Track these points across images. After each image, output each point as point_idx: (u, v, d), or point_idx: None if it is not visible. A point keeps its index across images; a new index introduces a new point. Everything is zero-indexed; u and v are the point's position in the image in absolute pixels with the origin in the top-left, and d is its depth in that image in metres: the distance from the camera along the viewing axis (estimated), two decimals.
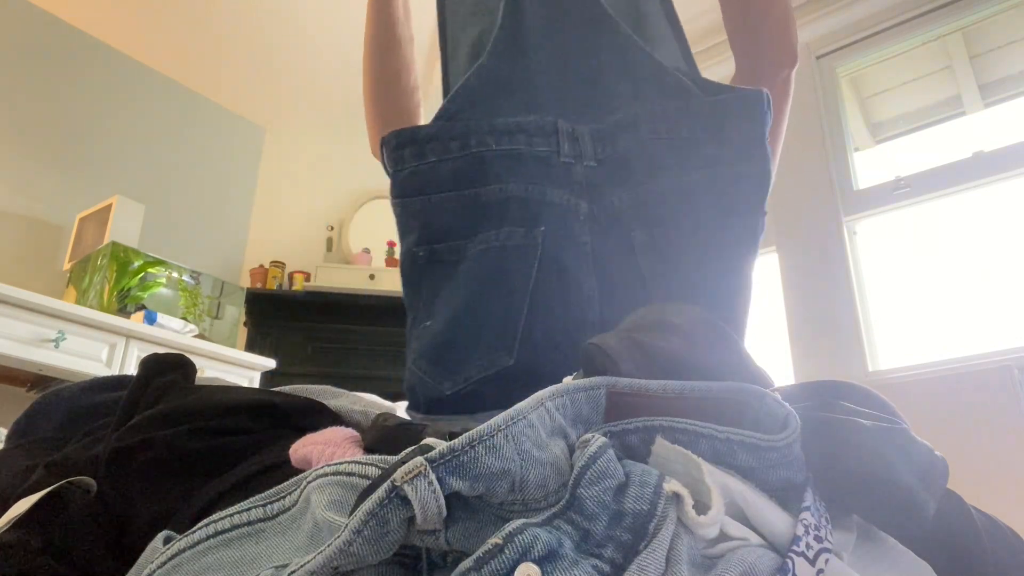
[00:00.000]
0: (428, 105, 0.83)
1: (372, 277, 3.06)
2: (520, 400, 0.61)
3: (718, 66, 2.64)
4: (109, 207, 2.57)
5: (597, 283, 0.62)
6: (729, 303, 0.61)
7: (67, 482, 0.38)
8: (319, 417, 0.46)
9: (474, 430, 0.28)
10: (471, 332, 0.60)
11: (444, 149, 0.65)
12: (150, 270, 2.54)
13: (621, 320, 0.60)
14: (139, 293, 2.48)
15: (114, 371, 2.17)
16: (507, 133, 0.65)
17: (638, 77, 0.68)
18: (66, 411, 0.50)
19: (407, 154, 0.67)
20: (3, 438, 0.59)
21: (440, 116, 0.68)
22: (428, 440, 0.29)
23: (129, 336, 2.22)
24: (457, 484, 0.27)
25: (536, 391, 0.60)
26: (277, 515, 0.32)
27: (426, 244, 0.65)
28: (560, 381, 0.60)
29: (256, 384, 2.51)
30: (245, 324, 3.07)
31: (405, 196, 0.67)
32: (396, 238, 0.74)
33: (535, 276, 0.61)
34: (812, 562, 0.28)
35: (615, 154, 0.65)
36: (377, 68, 0.89)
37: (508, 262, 0.61)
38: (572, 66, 0.71)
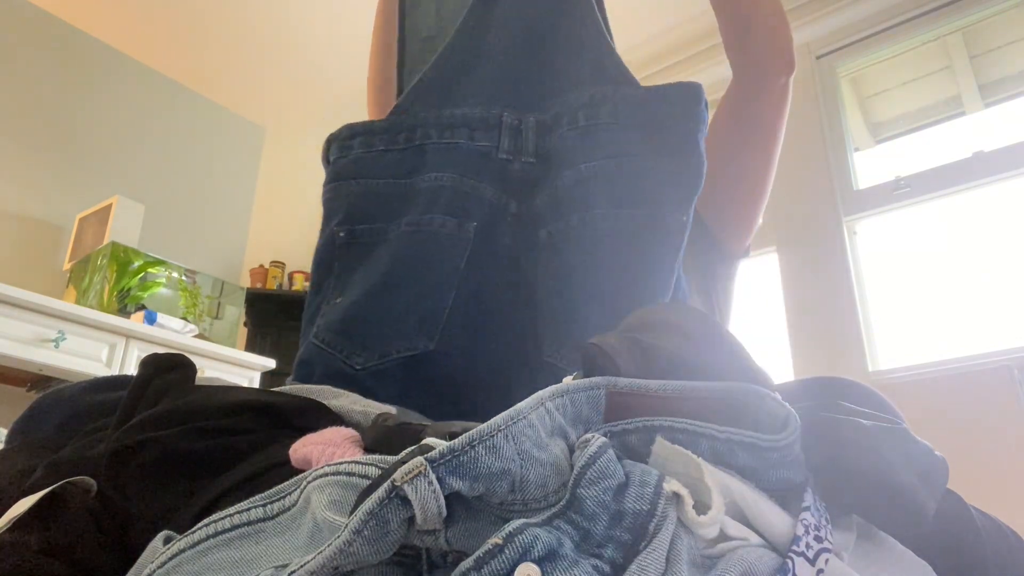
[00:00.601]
0: None
1: None
2: (429, 386, 0.59)
3: (717, 67, 2.64)
4: (109, 207, 2.57)
5: (509, 284, 0.61)
6: (624, 300, 0.56)
7: (67, 482, 0.38)
8: (319, 417, 0.46)
9: (474, 430, 0.28)
10: (393, 309, 0.59)
11: (392, 140, 0.66)
12: (150, 270, 2.54)
13: (529, 321, 0.60)
14: (139, 293, 2.49)
15: (114, 371, 2.17)
16: (450, 127, 0.65)
17: (583, 60, 0.67)
18: (66, 411, 0.50)
19: (356, 143, 0.68)
20: (3, 438, 0.59)
21: (394, 111, 0.68)
22: (428, 440, 0.29)
23: (129, 336, 2.23)
24: (457, 484, 0.27)
25: (448, 379, 0.60)
26: (277, 515, 0.32)
27: (348, 225, 0.65)
28: (471, 373, 0.60)
29: (256, 384, 2.51)
30: (245, 324, 3.07)
31: (340, 180, 0.67)
32: None
33: (462, 268, 0.60)
34: (812, 562, 0.28)
35: (548, 149, 0.64)
36: (381, 74, 0.90)
37: (440, 248, 0.61)
38: (530, 45, 0.70)
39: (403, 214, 0.63)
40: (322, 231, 0.67)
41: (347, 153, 0.68)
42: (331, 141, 0.70)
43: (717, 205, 1.00)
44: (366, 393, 0.56)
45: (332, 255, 0.65)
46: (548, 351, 0.58)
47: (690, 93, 0.61)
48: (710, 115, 0.65)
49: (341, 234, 0.65)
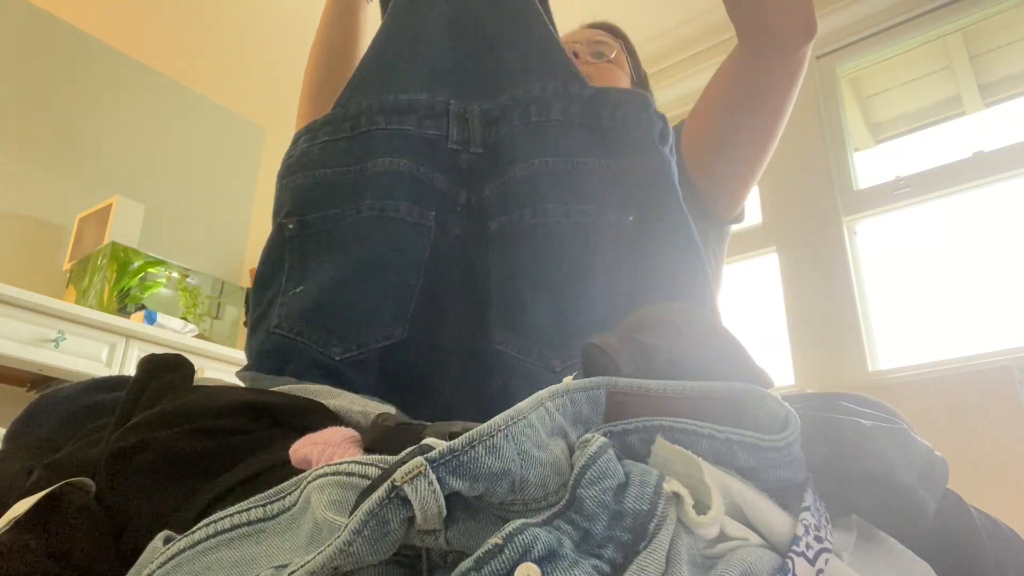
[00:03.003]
0: None
1: None
2: (396, 376, 0.59)
3: (709, 70, 2.63)
4: (109, 207, 2.57)
5: (460, 276, 0.61)
6: (570, 293, 0.57)
7: (65, 483, 0.37)
8: (318, 417, 0.46)
9: (474, 430, 0.28)
10: (367, 297, 0.58)
11: (336, 131, 0.64)
12: (150, 270, 2.54)
13: (477, 312, 0.60)
14: (139, 293, 2.48)
15: (114, 371, 2.17)
16: (397, 113, 0.63)
17: (529, 50, 0.66)
18: (64, 412, 0.50)
19: (301, 140, 0.66)
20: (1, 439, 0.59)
21: (337, 104, 0.67)
22: (428, 440, 0.29)
23: (129, 336, 2.22)
24: (457, 484, 0.27)
25: (412, 368, 0.58)
26: (277, 515, 0.32)
27: (297, 215, 0.62)
28: (430, 362, 0.59)
29: None
30: (245, 324, 3.07)
31: (289, 175, 0.65)
32: None
33: (426, 257, 0.60)
34: (812, 562, 0.28)
35: (497, 141, 0.63)
36: (330, 73, 0.87)
37: (407, 235, 0.60)
38: (469, 32, 0.68)
39: (359, 198, 0.61)
40: (272, 227, 0.66)
41: (293, 151, 0.66)
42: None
43: (711, 172, 0.92)
44: (345, 384, 0.55)
45: (282, 247, 0.63)
46: (499, 339, 0.57)
47: (636, 99, 0.62)
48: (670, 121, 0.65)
49: (291, 225, 0.62)
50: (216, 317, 2.74)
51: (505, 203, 0.61)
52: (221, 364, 2.42)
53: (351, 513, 0.26)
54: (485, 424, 0.28)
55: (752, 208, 2.41)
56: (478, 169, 0.63)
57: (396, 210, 0.60)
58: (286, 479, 0.33)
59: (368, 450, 0.37)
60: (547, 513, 0.28)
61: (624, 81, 1.07)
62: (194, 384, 0.50)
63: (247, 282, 3.19)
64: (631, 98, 0.62)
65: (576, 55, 1.03)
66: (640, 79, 1.12)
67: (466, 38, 0.68)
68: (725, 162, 0.91)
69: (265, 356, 0.58)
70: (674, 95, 2.69)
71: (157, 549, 0.32)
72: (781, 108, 0.85)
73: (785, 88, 0.83)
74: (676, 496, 0.28)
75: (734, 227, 1.00)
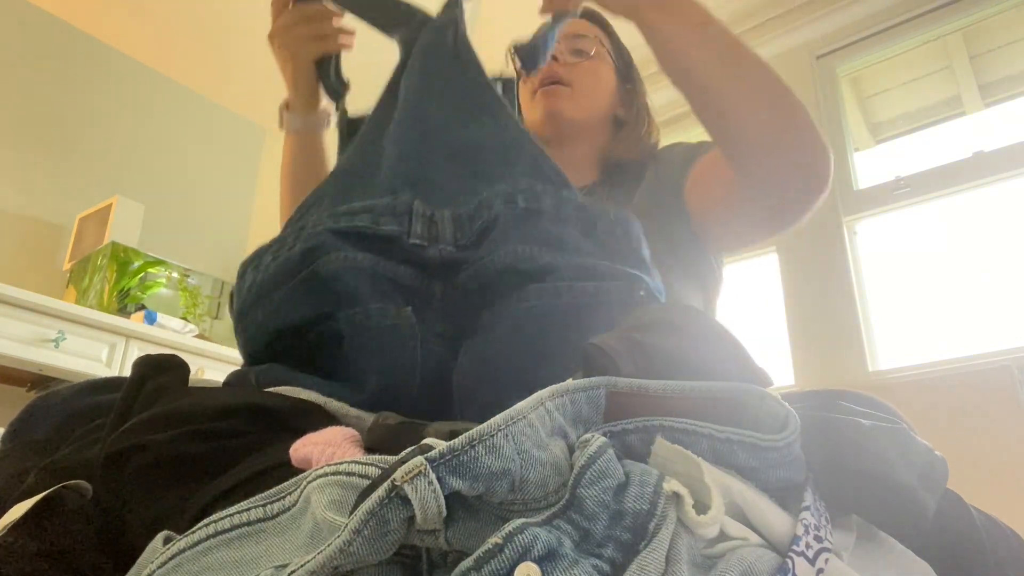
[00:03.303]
0: None
1: None
2: None
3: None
4: (109, 207, 2.57)
5: (448, 377, 0.52)
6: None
7: (62, 486, 0.37)
8: (315, 418, 0.45)
9: (474, 430, 0.28)
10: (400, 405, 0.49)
11: (281, 247, 0.56)
12: (150, 270, 2.54)
13: (473, 412, 0.49)
14: (139, 293, 2.49)
15: (114, 371, 2.17)
16: (348, 215, 0.56)
17: (513, 157, 0.60)
18: (61, 413, 0.50)
19: (247, 273, 0.59)
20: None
21: (286, 225, 0.61)
22: (428, 440, 0.29)
23: (129, 336, 2.23)
24: (457, 484, 0.27)
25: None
26: (277, 515, 0.32)
27: (281, 361, 0.54)
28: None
29: None
30: None
31: (247, 315, 0.57)
32: None
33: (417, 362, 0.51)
34: (812, 562, 0.28)
35: (473, 234, 0.56)
36: (301, 197, 0.85)
37: (395, 339, 0.51)
38: (439, 140, 0.62)
39: (336, 307, 0.52)
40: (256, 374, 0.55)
41: (243, 285, 0.59)
42: (231, 292, 0.62)
43: (714, 232, 0.89)
44: None
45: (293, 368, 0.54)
46: None
47: (636, 225, 0.57)
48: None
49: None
50: (216, 317, 2.75)
51: (484, 294, 0.53)
52: (221, 364, 2.42)
53: (351, 513, 0.26)
54: (485, 424, 0.28)
55: None
56: (451, 261, 0.55)
57: (366, 316, 0.51)
58: (286, 479, 0.33)
59: (368, 450, 0.37)
60: (547, 513, 0.28)
61: (608, 75, 1.04)
62: (189, 385, 0.49)
63: None
64: (629, 219, 0.57)
65: (555, 57, 0.99)
66: (625, 63, 1.08)
67: (438, 146, 0.62)
68: (729, 232, 0.89)
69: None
70: (674, 95, 2.69)
71: (157, 549, 0.32)
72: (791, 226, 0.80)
73: (791, 223, 0.78)
74: (676, 496, 0.28)
75: None
